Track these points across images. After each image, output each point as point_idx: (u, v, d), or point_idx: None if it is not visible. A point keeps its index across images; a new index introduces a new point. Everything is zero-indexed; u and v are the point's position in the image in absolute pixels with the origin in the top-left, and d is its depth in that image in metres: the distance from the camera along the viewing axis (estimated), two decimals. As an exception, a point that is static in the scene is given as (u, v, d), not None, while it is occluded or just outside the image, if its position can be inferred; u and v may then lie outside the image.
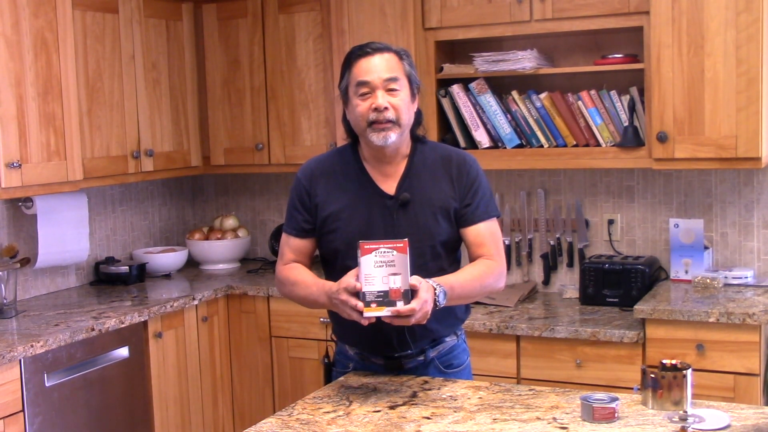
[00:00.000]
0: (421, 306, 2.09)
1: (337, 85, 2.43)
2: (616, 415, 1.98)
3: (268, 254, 4.48)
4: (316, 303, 2.31)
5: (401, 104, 2.28)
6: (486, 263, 2.36)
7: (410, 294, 2.09)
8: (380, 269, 2.07)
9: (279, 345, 3.86)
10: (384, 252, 2.07)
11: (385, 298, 2.08)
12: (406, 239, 2.10)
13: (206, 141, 4.27)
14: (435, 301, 2.16)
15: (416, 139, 2.41)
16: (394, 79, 2.27)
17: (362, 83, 2.27)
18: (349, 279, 2.12)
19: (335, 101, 3.84)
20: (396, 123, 2.27)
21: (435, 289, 2.16)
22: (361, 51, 2.31)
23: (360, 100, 2.28)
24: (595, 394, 2.04)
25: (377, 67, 2.27)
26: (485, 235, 2.37)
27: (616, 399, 2.01)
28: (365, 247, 2.08)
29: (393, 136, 2.28)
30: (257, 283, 3.93)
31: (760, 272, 3.50)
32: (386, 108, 2.25)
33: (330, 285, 2.21)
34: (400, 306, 2.08)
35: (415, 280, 2.11)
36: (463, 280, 2.29)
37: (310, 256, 2.46)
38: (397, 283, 2.08)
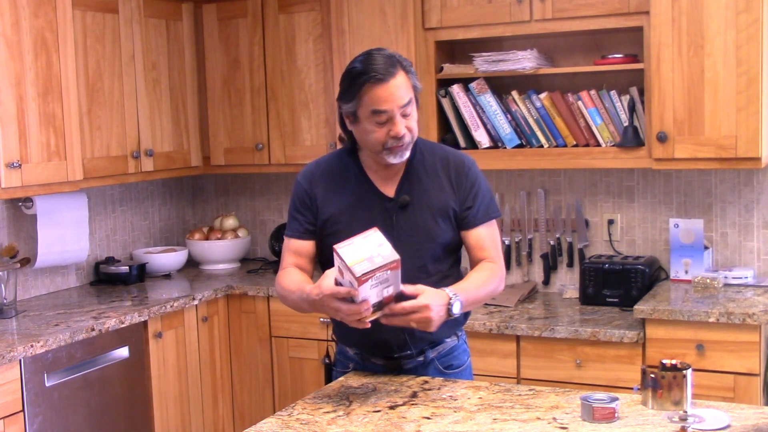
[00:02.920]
0: (419, 308, 2.08)
1: (336, 97, 2.36)
2: (616, 415, 1.98)
3: (268, 254, 4.48)
4: (303, 309, 2.31)
5: (414, 124, 2.27)
6: (490, 267, 2.36)
7: (402, 296, 2.10)
8: (375, 289, 2.05)
9: (279, 345, 3.86)
10: (379, 276, 2.04)
11: (380, 307, 2.09)
12: (398, 258, 2.05)
13: (206, 141, 4.27)
14: (448, 311, 2.16)
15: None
16: (408, 103, 2.24)
17: (380, 112, 2.22)
18: (331, 284, 2.07)
19: (335, 101, 3.83)
20: (410, 142, 2.28)
21: (450, 298, 2.16)
22: (374, 78, 2.20)
23: (376, 126, 2.24)
24: (595, 394, 2.04)
25: (394, 95, 2.21)
26: (486, 238, 2.37)
27: (616, 399, 2.01)
28: (362, 277, 2.00)
29: (407, 153, 2.29)
30: (257, 283, 3.93)
31: (760, 272, 3.50)
32: (405, 134, 2.24)
33: (309, 290, 2.18)
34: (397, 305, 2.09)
35: (418, 289, 2.11)
36: (475, 287, 2.29)
37: (311, 258, 2.44)
38: (390, 291, 2.08)
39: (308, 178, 2.42)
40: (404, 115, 2.24)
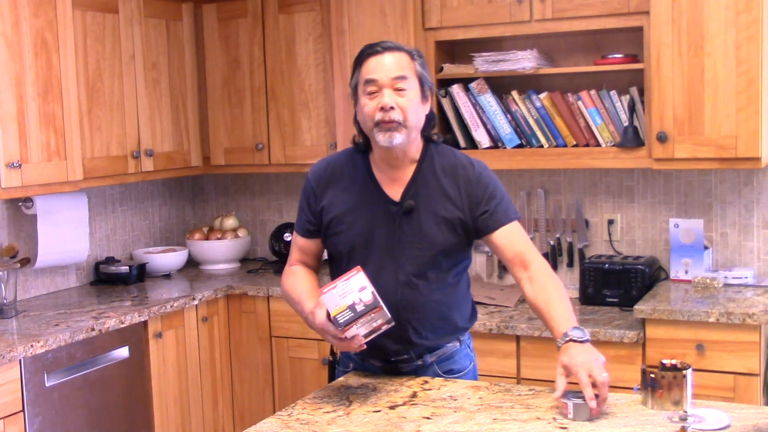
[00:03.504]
0: (603, 381, 2.02)
1: (348, 83, 2.40)
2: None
3: (268, 254, 4.48)
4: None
5: (408, 105, 2.24)
6: (540, 271, 2.28)
7: (391, 321, 2.12)
8: (363, 326, 2.09)
9: (279, 345, 3.86)
10: (363, 320, 2.08)
11: (372, 332, 2.11)
12: (380, 305, 2.08)
13: (206, 141, 4.27)
14: (581, 341, 2.11)
15: (428, 143, 2.37)
16: (401, 78, 2.23)
17: (370, 81, 2.24)
18: (323, 317, 2.10)
19: (335, 101, 3.84)
20: (402, 124, 2.23)
21: (575, 340, 2.11)
22: (371, 49, 2.27)
23: (368, 98, 2.25)
24: (570, 392, 2.03)
25: (385, 65, 2.23)
26: (514, 234, 2.31)
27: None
28: (345, 328, 2.07)
29: (398, 137, 2.23)
30: (257, 283, 3.93)
31: (760, 272, 3.50)
32: (392, 107, 2.21)
33: (307, 312, 2.20)
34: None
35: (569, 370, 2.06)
36: (560, 306, 2.22)
37: (315, 256, 2.46)
38: (379, 322, 2.10)
39: (317, 177, 2.41)
40: (396, 90, 2.23)
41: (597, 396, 1.99)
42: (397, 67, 2.24)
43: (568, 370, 2.06)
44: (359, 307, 2.06)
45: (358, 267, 2.12)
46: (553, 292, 2.25)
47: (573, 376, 2.05)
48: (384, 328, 2.12)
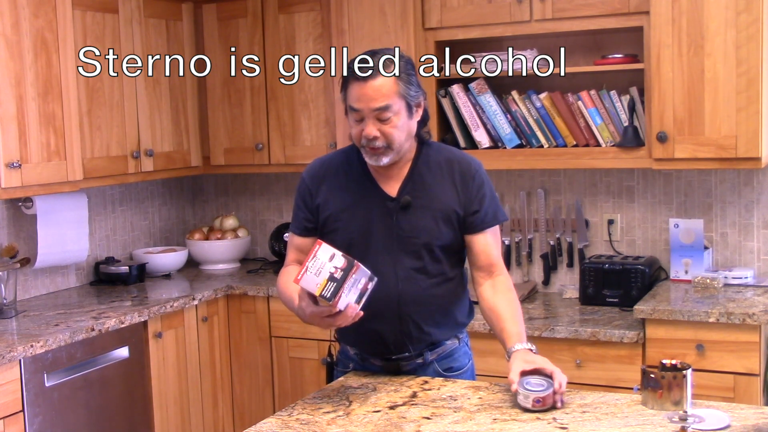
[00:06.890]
0: (561, 381, 2.10)
1: (338, 90, 2.39)
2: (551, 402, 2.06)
3: (268, 254, 4.48)
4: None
5: (393, 131, 2.24)
6: (505, 283, 2.38)
7: (373, 277, 2.10)
8: (351, 291, 2.06)
9: (279, 345, 3.86)
10: (348, 284, 2.04)
11: (362, 296, 2.09)
12: (355, 261, 2.05)
13: (206, 141, 4.27)
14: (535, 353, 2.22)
15: (421, 141, 2.39)
16: (384, 108, 2.21)
17: (354, 110, 2.25)
18: (316, 308, 2.09)
19: (335, 101, 3.84)
20: (388, 147, 2.26)
21: (531, 350, 2.22)
22: (355, 74, 2.23)
23: (354, 123, 2.27)
24: (533, 378, 2.10)
25: (367, 96, 2.21)
26: (492, 244, 2.38)
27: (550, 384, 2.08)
28: (336, 300, 2.04)
29: (385, 159, 2.27)
30: (257, 283, 3.93)
31: (760, 272, 3.50)
32: (376, 137, 2.23)
33: (296, 309, 2.19)
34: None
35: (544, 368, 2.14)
36: (520, 321, 2.33)
37: None
38: (364, 281, 2.08)
39: (312, 175, 2.43)
40: (380, 119, 2.23)
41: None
42: (379, 97, 2.21)
43: (541, 370, 2.12)
44: (338, 275, 2.03)
45: (318, 240, 2.09)
46: (515, 308, 2.35)
47: (544, 372, 2.12)
48: (370, 287, 2.10)
